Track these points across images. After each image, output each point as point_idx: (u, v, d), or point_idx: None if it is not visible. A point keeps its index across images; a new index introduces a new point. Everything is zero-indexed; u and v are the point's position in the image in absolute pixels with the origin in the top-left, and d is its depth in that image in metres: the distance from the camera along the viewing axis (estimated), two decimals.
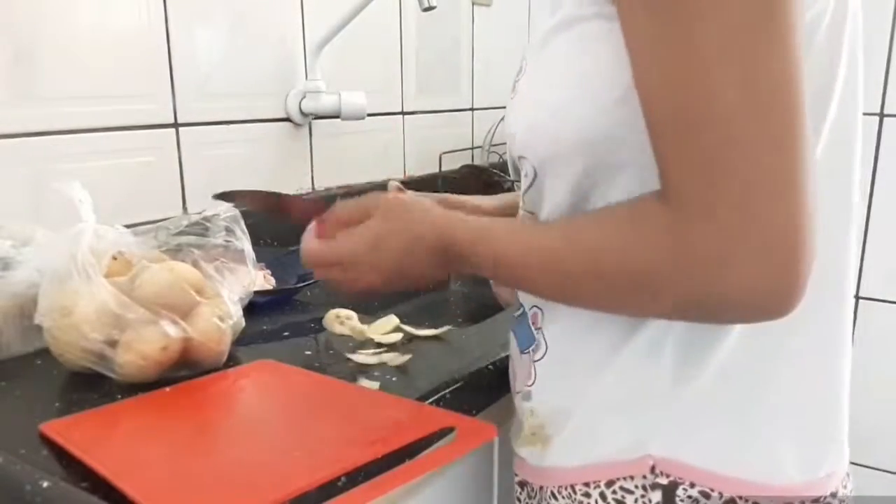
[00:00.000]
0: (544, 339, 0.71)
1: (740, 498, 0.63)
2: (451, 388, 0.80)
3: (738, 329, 0.62)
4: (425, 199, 0.75)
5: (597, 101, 0.58)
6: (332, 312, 0.97)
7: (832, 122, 0.61)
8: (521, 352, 0.75)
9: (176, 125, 1.24)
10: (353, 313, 0.96)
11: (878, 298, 1.78)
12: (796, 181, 0.49)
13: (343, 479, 0.60)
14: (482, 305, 1.35)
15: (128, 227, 1.12)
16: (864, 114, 0.66)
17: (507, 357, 0.85)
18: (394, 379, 0.82)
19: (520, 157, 0.68)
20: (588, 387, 0.67)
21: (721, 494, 0.62)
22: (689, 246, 0.51)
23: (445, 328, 0.97)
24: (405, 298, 1.34)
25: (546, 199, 0.67)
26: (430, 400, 0.78)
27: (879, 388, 1.79)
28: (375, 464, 0.61)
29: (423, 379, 0.82)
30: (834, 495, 0.66)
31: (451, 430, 0.67)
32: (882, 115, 1.72)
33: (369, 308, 1.00)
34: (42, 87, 1.07)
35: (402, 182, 1.03)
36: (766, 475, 0.63)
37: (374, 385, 0.80)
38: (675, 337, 0.63)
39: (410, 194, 0.90)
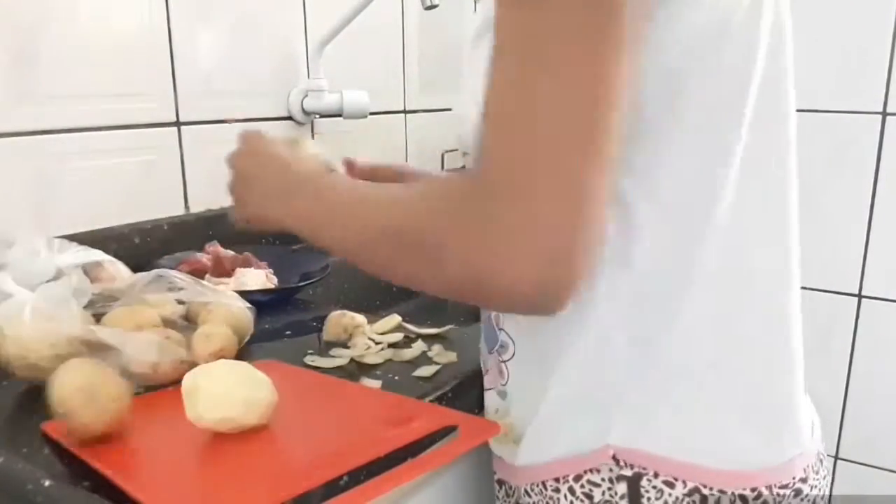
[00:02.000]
0: (509, 338, 0.72)
1: (704, 486, 0.63)
2: (453, 387, 0.80)
3: (688, 318, 0.63)
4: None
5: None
6: (335, 318, 0.96)
7: (751, 121, 0.61)
8: (489, 351, 0.76)
9: (178, 124, 1.24)
10: (357, 315, 0.96)
11: (880, 297, 1.77)
12: (584, 188, 0.50)
13: (345, 477, 0.60)
14: None
15: (129, 226, 1.13)
16: (867, 112, 0.66)
17: None
18: (396, 378, 0.82)
19: (465, 154, 0.70)
20: (550, 381, 0.68)
21: (685, 483, 0.63)
22: (472, 221, 0.52)
23: (447, 327, 0.97)
24: (407, 298, 1.34)
25: None
26: (433, 398, 0.77)
27: (882, 386, 1.79)
28: (378, 463, 0.61)
29: (424, 377, 0.82)
30: (804, 480, 0.67)
31: (453, 428, 0.67)
32: (885, 114, 1.72)
33: (370, 308, 1.00)
34: (44, 86, 1.07)
35: None
36: (724, 461, 0.64)
37: (376, 384, 0.80)
38: (627, 326, 0.63)
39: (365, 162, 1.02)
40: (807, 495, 0.67)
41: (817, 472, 0.69)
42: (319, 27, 1.42)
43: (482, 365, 0.80)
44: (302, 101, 1.44)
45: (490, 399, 0.78)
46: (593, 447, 0.66)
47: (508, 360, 0.73)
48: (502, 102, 0.51)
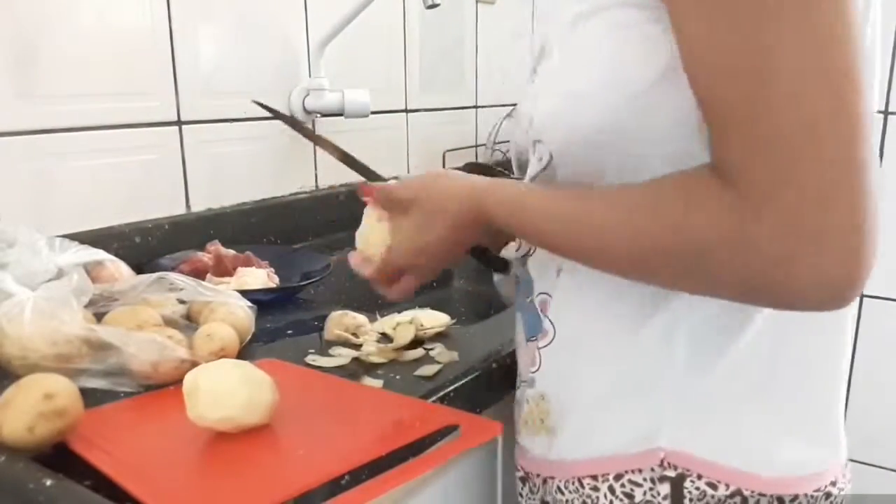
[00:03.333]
0: (552, 325, 0.71)
1: (746, 489, 0.63)
2: (454, 386, 0.80)
3: (753, 325, 0.62)
4: (456, 173, 0.76)
5: (624, 90, 0.58)
6: (336, 317, 0.96)
7: None
8: (527, 339, 0.75)
9: (179, 123, 1.24)
10: (358, 315, 0.95)
11: (882, 296, 1.77)
12: (863, 169, 0.48)
13: (346, 477, 0.60)
14: (486, 302, 1.35)
15: (130, 225, 1.13)
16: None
17: (511, 353, 0.84)
18: (397, 377, 0.82)
19: (536, 142, 0.68)
20: (598, 375, 0.67)
21: (728, 485, 0.63)
22: (753, 231, 0.49)
23: (450, 321, 0.97)
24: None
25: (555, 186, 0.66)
26: (434, 398, 0.77)
27: (883, 385, 1.78)
28: (379, 462, 0.61)
29: (426, 377, 0.82)
30: (834, 484, 0.67)
31: (454, 427, 0.67)
32: (886, 113, 1.72)
33: (372, 307, 1.00)
34: (46, 85, 1.07)
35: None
36: (769, 468, 0.64)
37: (378, 383, 0.80)
38: (689, 327, 0.63)
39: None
40: (835, 497, 0.67)
41: (844, 476, 0.69)
42: (321, 26, 1.42)
43: (518, 357, 0.80)
44: (303, 101, 1.44)
45: (522, 390, 0.77)
46: (642, 447, 0.65)
47: (544, 348, 0.72)
48: (752, 88, 0.48)
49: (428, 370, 0.83)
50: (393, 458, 0.62)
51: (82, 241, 0.94)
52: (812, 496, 0.65)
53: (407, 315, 0.97)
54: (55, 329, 0.76)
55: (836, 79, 0.47)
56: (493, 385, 0.85)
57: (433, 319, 0.96)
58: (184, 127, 1.25)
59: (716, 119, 0.52)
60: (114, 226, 1.15)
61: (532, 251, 0.74)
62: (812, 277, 0.49)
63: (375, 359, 0.86)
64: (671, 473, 0.64)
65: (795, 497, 0.64)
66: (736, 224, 0.50)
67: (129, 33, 1.16)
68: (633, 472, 0.65)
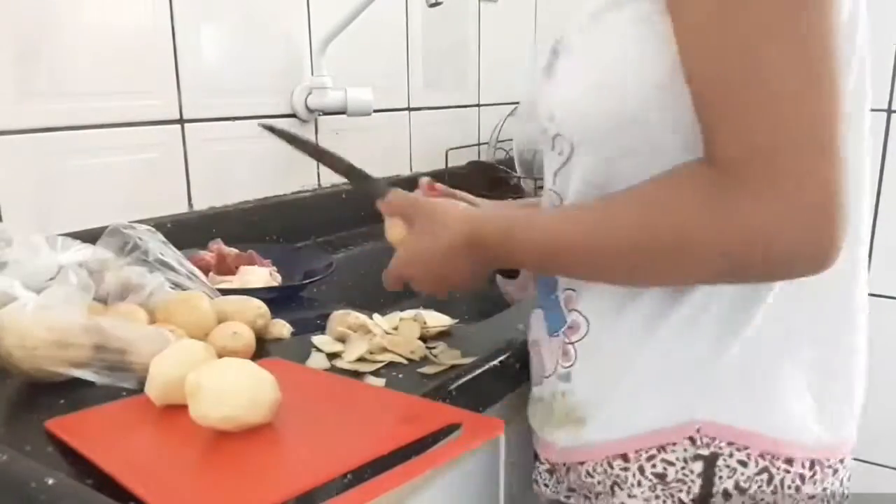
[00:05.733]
0: (584, 318, 0.72)
1: (773, 464, 0.66)
2: (457, 384, 0.80)
3: (769, 301, 0.65)
4: (449, 202, 0.80)
5: (646, 81, 0.61)
6: (338, 316, 0.96)
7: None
8: (551, 335, 0.76)
9: (181, 121, 1.24)
10: (361, 314, 0.95)
11: (885, 295, 1.77)
12: (836, 145, 0.52)
13: (349, 475, 0.60)
14: (489, 302, 1.34)
15: (133, 223, 1.13)
16: (872, 110, 0.67)
17: (515, 352, 0.84)
18: (400, 376, 0.82)
19: (556, 136, 0.70)
20: (632, 360, 0.69)
21: (757, 462, 0.65)
22: (735, 209, 0.54)
23: (452, 322, 0.96)
24: (410, 295, 1.34)
25: (576, 178, 0.69)
26: (437, 396, 0.77)
27: (888, 384, 1.78)
28: (381, 460, 0.61)
29: (428, 375, 0.82)
30: (842, 461, 0.70)
31: (457, 426, 0.67)
32: (889, 112, 1.71)
33: (374, 306, 1.00)
34: (48, 84, 1.07)
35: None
36: (796, 433, 0.66)
37: (380, 382, 0.80)
38: (715, 309, 0.65)
39: (443, 188, 0.93)
40: (841, 477, 0.70)
41: (852, 453, 0.72)
42: (323, 24, 1.42)
43: (534, 356, 0.81)
44: (306, 99, 1.43)
45: (548, 385, 0.77)
46: (677, 421, 0.67)
47: (578, 341, 0.73)
48: (726, 70, 0.54)
49: (430, 369, 0.83)
50: (395, 456, 0.62)
51: (84, 240, 0.94)
52: (826, 469, 0.68)
53: (410, 313, 0.97)
54: (53, 316, 0.76)
55: (813, 70, 0.52)
56: (495, 384, 0.85)
57: (436, 318, 0.96)
58: (186, 125, 1.25)
59: (703, 108, 0.56)
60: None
61: None
62: (789, 247, 0.54)
63: (378, 357, 0.86)
64: (704, 451, 0.66)
65: (815, 473, 0.67)
66: (718, 204, 0.55)
67: (132, 31, 1.16)
68: (664, 450, 0.67)
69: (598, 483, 0.72)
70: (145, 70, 1.18)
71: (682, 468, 0.67)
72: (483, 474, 0.79)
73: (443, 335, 0.94)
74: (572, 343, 0.73)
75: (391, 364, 0.85)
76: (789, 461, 0.66)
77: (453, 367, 0.83)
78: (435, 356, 0.86)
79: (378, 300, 1.03)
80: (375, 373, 0.82)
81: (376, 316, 0.95)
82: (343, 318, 0.93)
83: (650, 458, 0.68)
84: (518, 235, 0.70)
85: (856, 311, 0.70)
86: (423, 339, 0.91)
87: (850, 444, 0.71)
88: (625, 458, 0.69)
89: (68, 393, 0.76)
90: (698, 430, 0.66)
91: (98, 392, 0.76)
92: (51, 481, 0.57)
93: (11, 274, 0.82)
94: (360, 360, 0.85)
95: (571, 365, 0.74)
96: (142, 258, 0.94)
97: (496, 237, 0.72)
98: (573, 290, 0.73)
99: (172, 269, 0.96)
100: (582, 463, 0.73)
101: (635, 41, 0.61)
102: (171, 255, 0.98)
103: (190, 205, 1.28)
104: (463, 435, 0.66)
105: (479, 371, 0.82)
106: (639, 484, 0.68)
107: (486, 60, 1.97)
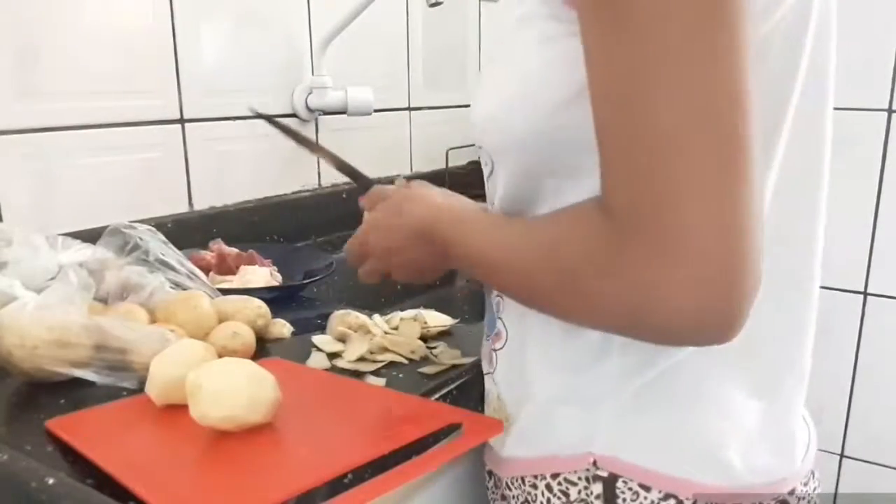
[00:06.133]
0: (504, 327, 0.71)
1: (680, 494, 0.62)
2: (457, 384, 0.80)
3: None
4: (425, 190, 0.78)
5: (545, 101, 0.57)
6: (339, 316, 0.95)
7: (790, 123, 0.60)
8: (486, 337, 0.76)
9: (182, 121, 1.24)
10: (361, 314, 0.95)
11: (886, 295, 1.77)
12: (737, 203, 0.46)
13: (349, 475, 0.60)
14: None
15: (133, 223, 1.13)
16: (872, 110, 0.66)
17: None
18: (400, 375, 0.82)
19: (479, 147, 0.69)
20: (542, 379, 0.67)
21: (660, 490, 0.62)
22: (620, 258, 0.49)
23: (453, 322, 0.96)
24: (411, 296, 1.34)
25: (500, 193, 0.67)
26: (437, 396, 0.77)
27: (887, 384, 1.78)
28: (382, 460, 0.61)
29: (428, 375, 0.82)
30: (792, 493, 0.65)
31: (458, 426, 0.67)
32: (890, 112, 1.71)
33: (375, 306, 1.00)
34: (48, 83, 1.07)
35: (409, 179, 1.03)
36: (702, 473, 0.62)
37: (380, 382, 0.80)
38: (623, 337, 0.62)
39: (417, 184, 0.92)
40: None
41: (805, 484, 0.67)
42: (323, 24, 1.42)
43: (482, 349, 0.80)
44: (306, 99, 1.44)
45: (487, 383, 0.77)
46: (576, 451, 0.65)
47: (500, 349, 0.72)
48: (624, 118, 0.48)
49: (430, 368, 0.83)
50: (395, 456, 0.62)
51: (85, 240, 0.94)
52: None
53: (410, 313, 0.97)
54: (54, 316, 0.76)
55: (710, 107, 0.46)
56: None
57: (437, 318, 0.96)
58: (187, 125, 1.25)
59: (600, 144, 0.51)
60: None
61: None
62: (677, 313, 0.48)
63: (378, 357, 0.86)
64: (603, 473, 0.64)
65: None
66: (603, 249, 0.50)
67: (132, 31, 1.16)
68: (567, 472, 0.66)
69: (513, 498, 0.71)
70: (145, 70, 1.18)
71: (585, 488, 0.65)
72: (483, 474, 0.79)
73: (443, 335, 0.94)
74: (495, 350, 0.73)
75: (391, 364, 0.85)
76: (702, 496, 0.62)
77: (453, 366, 0.84)
78: (435, 356, 0.86)
79: (378, 300, 1.03)
80: (376, 372, 0.83)
81: (376, 316, 0.96)
82: (343, 317, 0.94)
83: (554, 475, 0.66)
84: (463, 238, 0.67)
85: (806, 330, 0.67)
86: (424, 338, 0.91)
87: (792, 484, 0.65)
88: (535, 475, 0.68)
89: (68, 392, 0.76)
90: (594, 463, 0.64)
91: (98, 392, 0.76)
92: (51, 481, 0.57)
93: (11, 274, 0.82)
94: (361, 359, 0.85)
95: (493, 371, 0.73)
96: (142, 258, 0.94)
97: (448, 234, 0.69)
98: (500, 297, 0.72)
99: (173, 268, 0.96)
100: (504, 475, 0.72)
101: (541, 60, 0.57)
102: (172, 254, 0.98)
103: (190, 204, 1.28)
104: (463, 435, 0.66)
105: (478, 371, 0.82)
106: (548, 502, 0.67)
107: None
